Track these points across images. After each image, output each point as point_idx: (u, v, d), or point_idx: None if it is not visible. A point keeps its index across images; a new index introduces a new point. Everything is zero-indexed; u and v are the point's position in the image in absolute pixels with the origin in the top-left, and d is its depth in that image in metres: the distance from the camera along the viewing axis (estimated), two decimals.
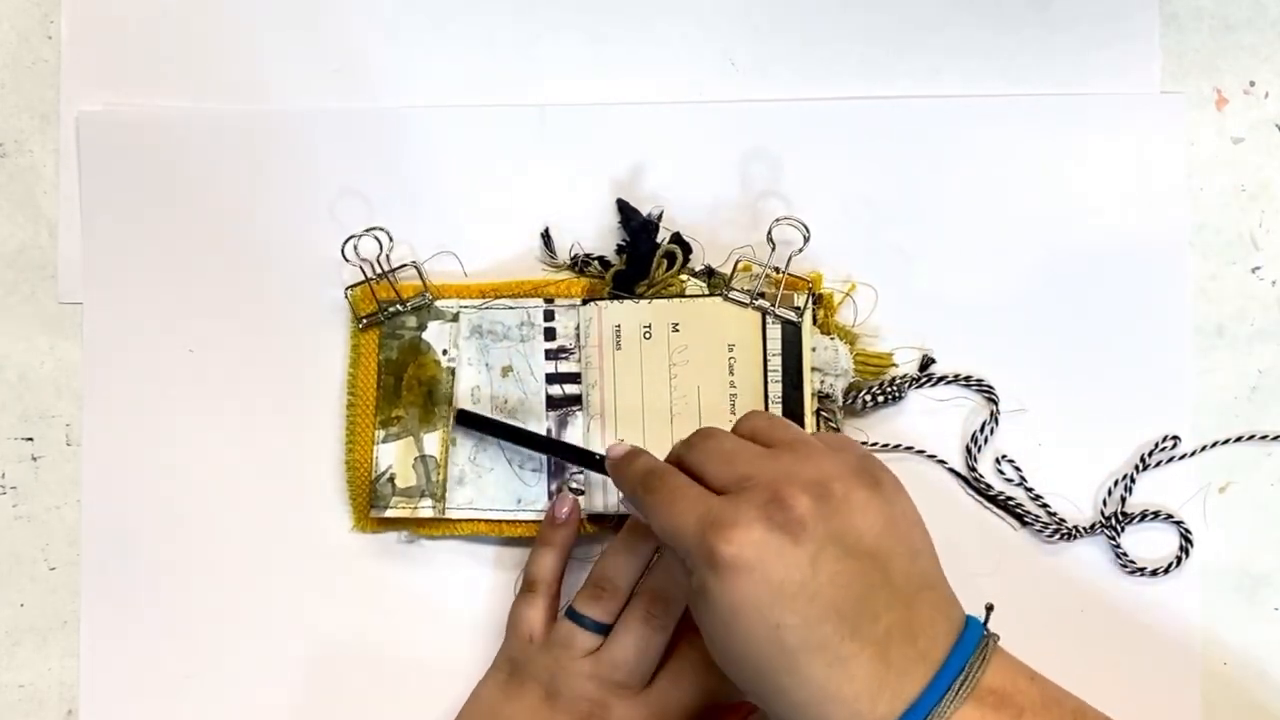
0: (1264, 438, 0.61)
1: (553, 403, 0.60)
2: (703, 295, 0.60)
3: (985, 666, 0.45)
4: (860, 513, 0.45)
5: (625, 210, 0.62)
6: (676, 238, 0.61)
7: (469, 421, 0.60)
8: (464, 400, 0.61)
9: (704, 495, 0.46)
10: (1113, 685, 0.59)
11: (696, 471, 0.48)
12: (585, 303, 0.60)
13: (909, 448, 0.61)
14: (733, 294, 0.60)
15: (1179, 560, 0.60)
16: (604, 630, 0.55)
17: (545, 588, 0.58)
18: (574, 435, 0.60)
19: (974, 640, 0.46)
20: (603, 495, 0.60)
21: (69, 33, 0.64)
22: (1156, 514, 0.60)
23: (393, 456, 0.61)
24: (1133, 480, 0.60)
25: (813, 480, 0.45)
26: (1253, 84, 0.63)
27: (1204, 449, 0.61)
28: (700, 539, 0.45)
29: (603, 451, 0.55)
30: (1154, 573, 0.60)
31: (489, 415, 0.60)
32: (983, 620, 0.48)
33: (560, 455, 0.59)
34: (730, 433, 0.50)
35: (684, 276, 0.61)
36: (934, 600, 0.46)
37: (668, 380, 0.60)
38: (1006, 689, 0.45)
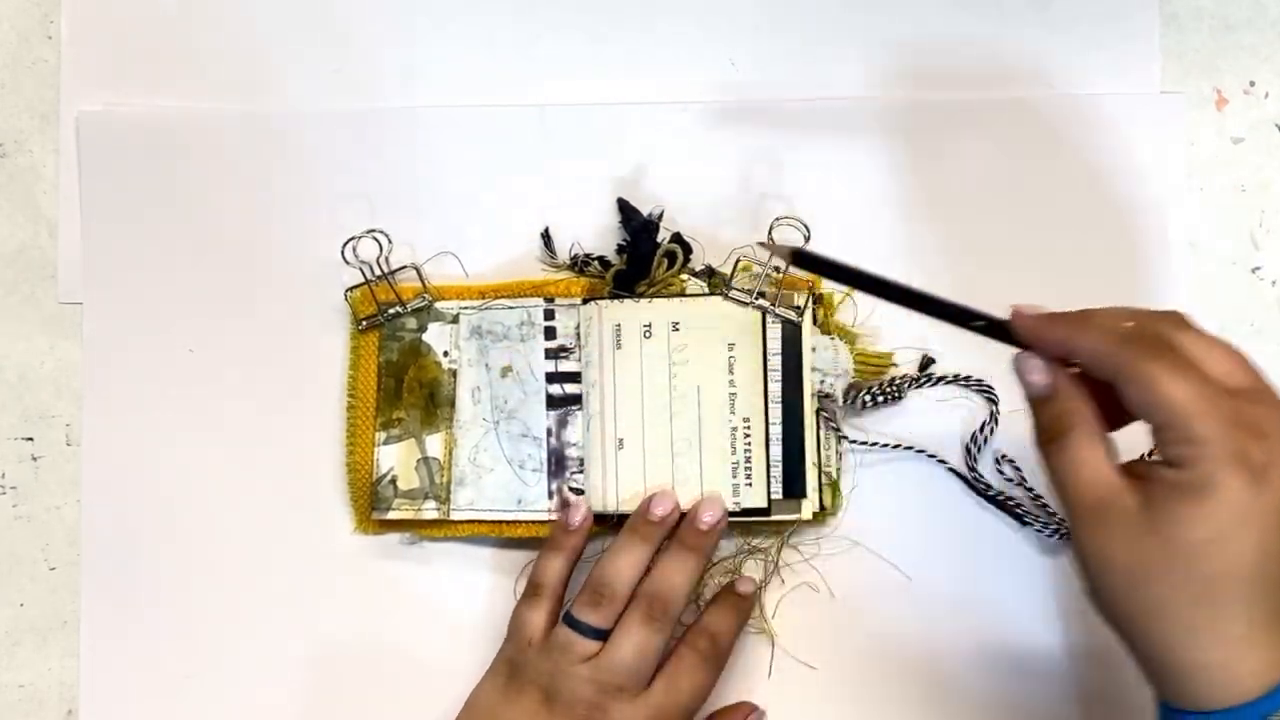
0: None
1: (553, 402, 0.60)
2: (703, 295, 0.60)
3: None
4: None
5: (626, 210, 0.62)
6: (677, 237, 0.61)
7: (806, 263, 0.51)
8: (464, 400, 0.60)
9: (1219, 387, 0.43)
10: (1114, 686, 0.59)
11: (1191, 355, 0.44)
12: (585, 302, 0.60)
13: (909, 447, 0.61)
14: (733, 293, 0.60)
15: None
16: (602, 636, 0.55)
17: (550, 592, 0.58)
18: (573, 435, 0.60)
19: None
20: (602, 495, 0.60)
21: (69, 33, 0.64)
22: None
23: (394, 458, 0.61)
24: None
25: None
26: (1253, 84, 0.63)
27: None
28: (1229, 433, 0.41)
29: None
30: None
31: (832, 258, 0.51)
32: None
33: (937, 315, 0.49)
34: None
35: (684, 276, 0.61)
36: None
37: (668, 379, 0.60)
38: None
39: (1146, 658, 0.44)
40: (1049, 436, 0.47)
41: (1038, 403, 0.47)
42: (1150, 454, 0.49)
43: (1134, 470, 0.45)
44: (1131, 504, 0.43)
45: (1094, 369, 0.46)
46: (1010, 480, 0.61)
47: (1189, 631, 0.42)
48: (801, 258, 0.52)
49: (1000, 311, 0.48)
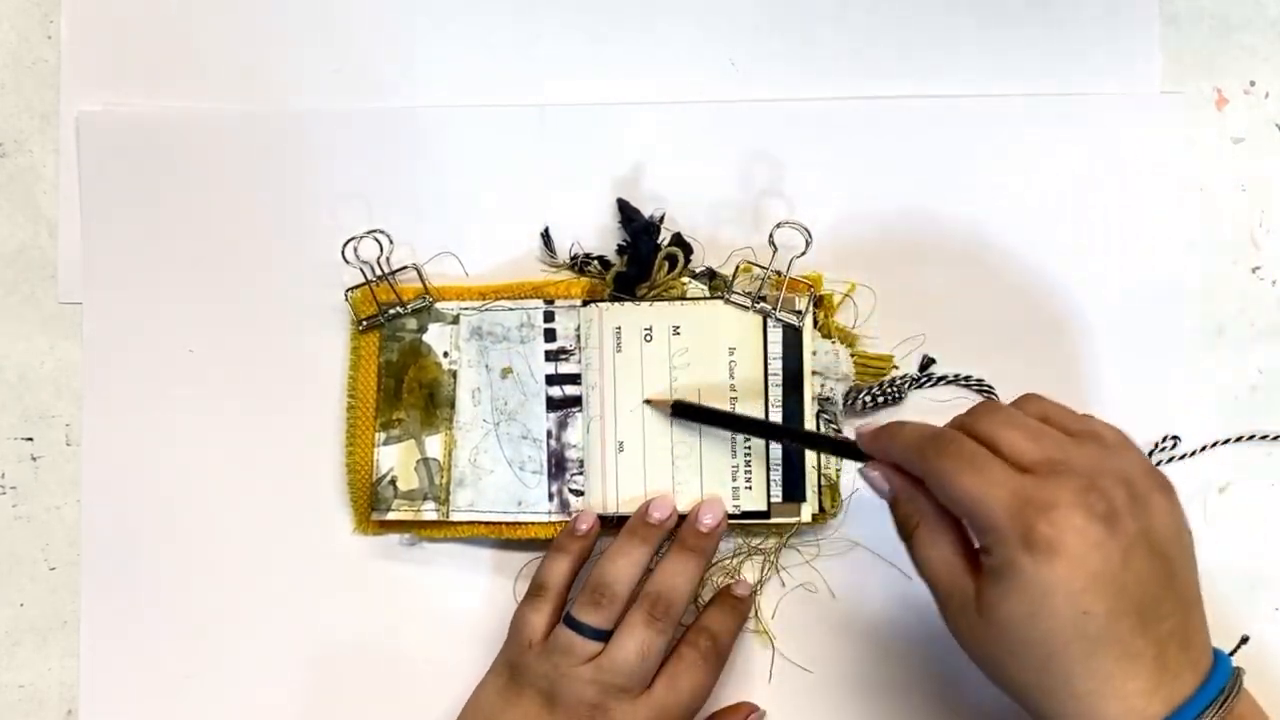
0: (1264, 438, 0.61)
1: (553, 404, 0.60)
2: (704, 298, 0.60)
3: (1239, 688, 0.46)
4: (1160, 514, 0.45)
5: (626, 211, 0.62)
6: (678, 239, 0.61)
7: (686, 413, 0.59)
8: (464, 401, 0.61)
9: (1011, 470, 0.45)
10: None
11: (989, 441, 0.47)
12: (586, 304, 0.60)
13: None
14: (734, 297, 0.60)
15: None
16: (603, 637, 0.56)
17: (552, 594, 0.58)
18: (573, 437, 0.60)
19: (1228, 660, 0.47)
20: (602, 497, 0.60)
21: (69, 33, 0.64)
22: None
23: (394, 459, 0.61)
24: None
25: (1121, 475, 0.45)
26: (1253, 84, 0.63)
27: (1204, 449, 0.61)
28: (1015, 516, 0.44)
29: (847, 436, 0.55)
30: None
31: (708, 405, 0.59)
32: (1231, 650, 0.49)
33: (800, 443, 0.58)
34: (1017, 410, 0.49)
35: (685, 279, 0.61)
36: (1201, 614, 0.47)
37: (668, 383, 0.60)
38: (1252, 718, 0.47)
39: (1035, 717, 0.47)
40: (903, 533, 0.50)
41: (890, 505, 0.51)
42: None
43: (976, 558, 0.48)
44: (970, 589, 0.47)
45: (911, 473, 0.49)
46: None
47: (1046, 694, 0.45)
48: (681, 409, 0.59)
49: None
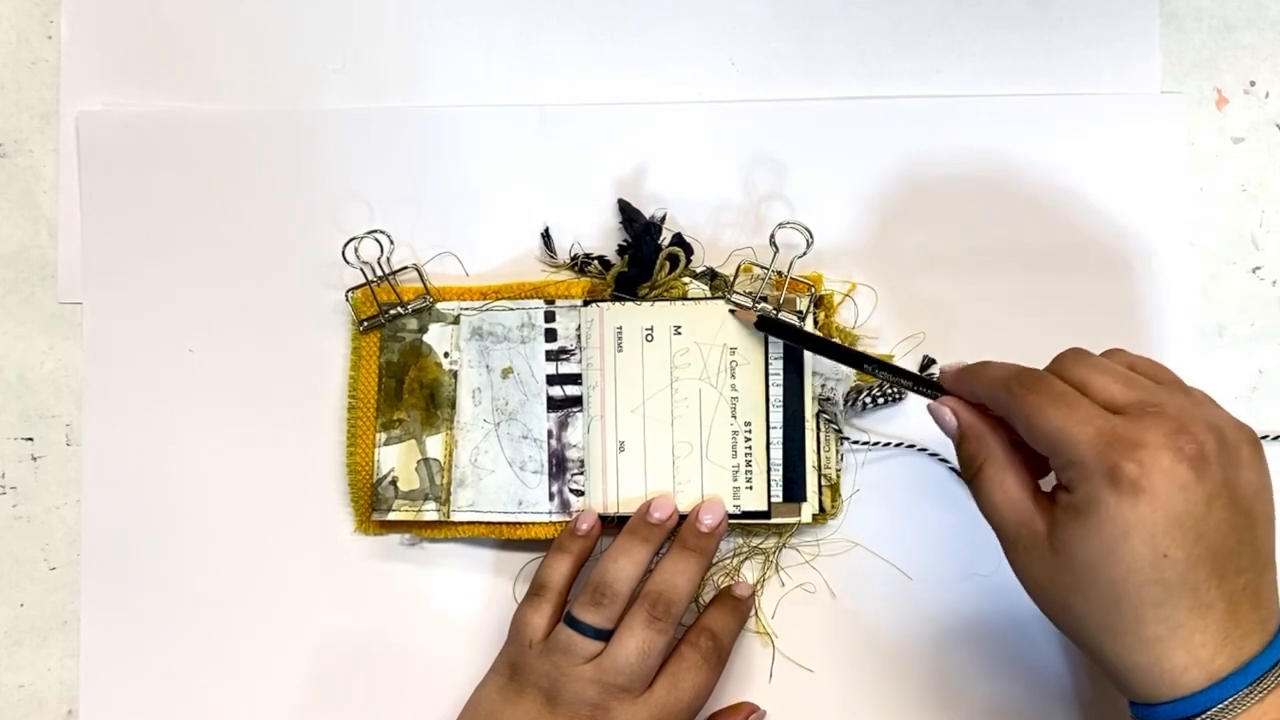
0: (1264, 438, 0.61)
1: (553, 404, 0.60)
2: (705, 298, 0.60)
3: None
4: (1247, 468, 0.45)
5: (627, 211, 0.62)
6: (678, 239, 0.61)
7: (771, 328, 0.59)
8: (465, 401, 0.61)
9: (1098, 408, 0.45)
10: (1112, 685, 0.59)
11: (1078, 384, 0.47)
12: (587, 304, 0.60)
13: (910, 445, 0.61)
14: (735, 297, 0.60)
15: None
16: (603, 636, 0.56)
17: (553, 594, 0.58)
18: (574, 437, 0.60)
19: None
20: (603, 497, 0.60)
21: (69, 33, 0.64)
22: None
23: (394, 459, 0.61)
24: None
25: (1212, 423, 0.45)
26: (1253, 84, 0.63)
27: None
28: (1101, 452, 0.44)
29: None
30: None
31: (793, 324, 0.59)
32: None
33: (883, 371, 0.56)
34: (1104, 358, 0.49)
35: (686, 279, 0.61)
36: (1274, 576, 0.46)
37: (669, 383, 0.60)
38: None
39: (1096, 662, 0.47)
40: (968, 472, 0.51)
41: (956, 443, 0.52)
42: None
43: (1047, 495, 0.48)
44: (1040, 527, 0.47)
45: (994, 409, 0.50)
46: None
47: (1113, 636, 0.45)
48: (765, 324, 0.59)
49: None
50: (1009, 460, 0.49)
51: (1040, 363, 0.57)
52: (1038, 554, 0.47)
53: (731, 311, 0.60)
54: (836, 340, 0.60)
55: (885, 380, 0.57)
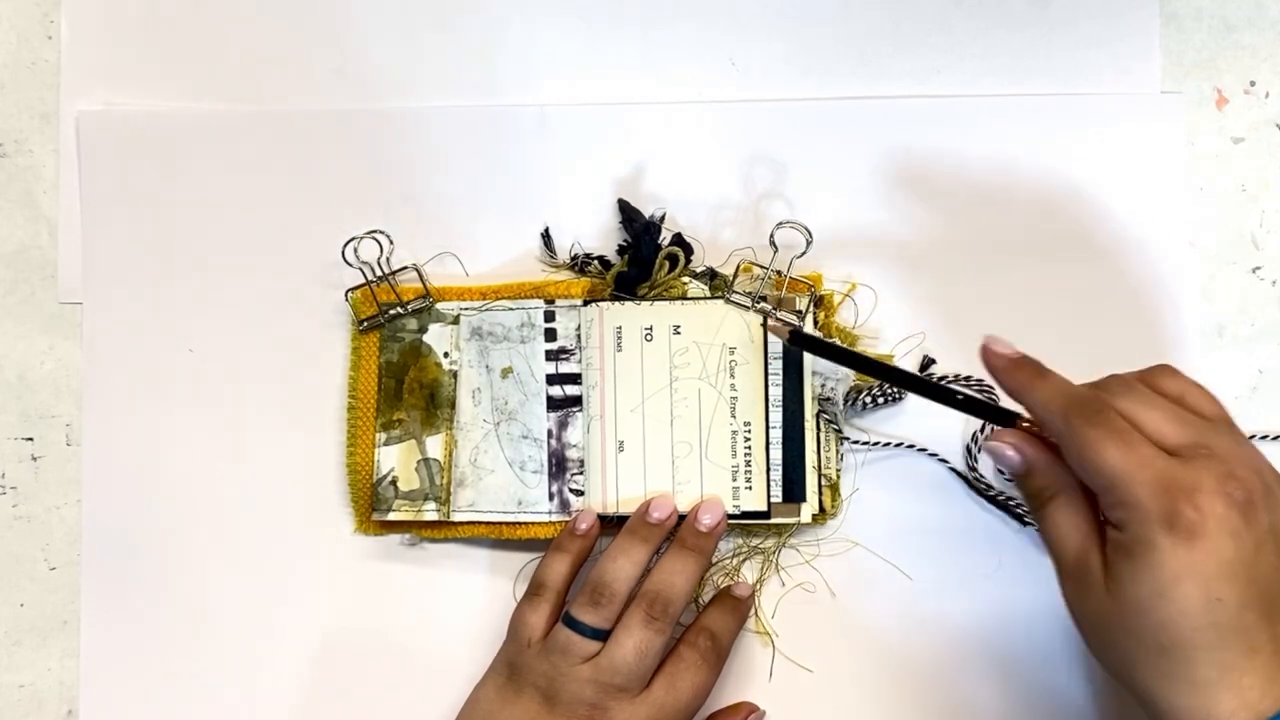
0: (1264, 438, 0.61)
1: (553, 404, 0.60)
2: (705, 298, 0.60)
3: None
4: None
5: (627, 211, 0.62)
6: (678, 239, 0.61)
7: (804, 343, 0.58)
8: (464, 401, 0.61)
9: (1155, 450, 0.45)
10: (1114, 685, 0.59)
11: (1132, 419, 0.46)
12: (586, 304, 0.60)
13: (910, 446, 0.61)
14: (734, 296, 0.60)
15: None
16: (602, 636, 0.56)
17: (551, 593, 0.58)
18: (574, 437, 0.60)
19: None
20: (602, 497, 0.60)
21: (69, 33, 0.64)
22: None
23: (394, 459, 0.61)
24: None
25: (1255, 467, 0.45)
26: (1253, 84, 0.63)
27: None
28: (1159, 496, 0.44)
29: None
30: None
31: (827, 340, 0.58)
32: None
33: (929, 395, 0.54)
34: (1150, 389, 0.49)
35: (685, 278, 0.61)
36: None
37: (669, 382, 0.60)
38: None
39: (1141, 702, 0.46)
40: (1035, 506, 0.50)
41: (1020, 477, 0.51)
42: None
43: (1104, 534, 0.47)
44: (1098, 565, 0.47)
45: (1042, 427, 0.49)
46: (1010, 480, 0.61)
47: (1162, 679, 0.45)
48: (799, 339, 0.57)
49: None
50: (1081, 493, 0.48)
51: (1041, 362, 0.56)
52: (1095, 590, 0.46)
53: (764, 326, 0.59)
54: (870, 356, 0.59)
55: (952, 408, 0.54)
